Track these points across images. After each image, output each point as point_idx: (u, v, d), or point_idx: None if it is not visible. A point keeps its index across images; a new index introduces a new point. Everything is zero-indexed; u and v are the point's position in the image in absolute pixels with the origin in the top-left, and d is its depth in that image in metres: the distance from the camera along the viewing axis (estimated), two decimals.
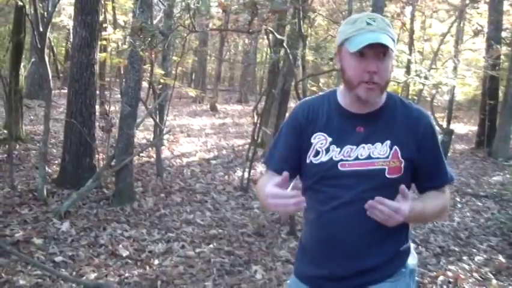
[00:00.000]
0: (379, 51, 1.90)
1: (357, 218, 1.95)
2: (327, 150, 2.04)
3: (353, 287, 2.07)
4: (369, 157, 1.97)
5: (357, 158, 1.98)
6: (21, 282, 4.30)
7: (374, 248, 2.02)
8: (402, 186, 1.88)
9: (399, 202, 1.88)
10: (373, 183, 1.96)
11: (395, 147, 1.96)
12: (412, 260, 2.13)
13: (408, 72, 11.85)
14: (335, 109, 2.09)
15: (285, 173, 1.89)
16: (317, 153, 2.06)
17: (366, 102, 1.98)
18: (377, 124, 2.02)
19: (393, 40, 1.93)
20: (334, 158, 2.02)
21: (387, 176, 1.96)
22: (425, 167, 2.03)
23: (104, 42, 9.33)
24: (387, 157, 1.96)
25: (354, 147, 2.00)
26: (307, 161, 2.08)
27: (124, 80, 7.63)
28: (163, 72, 9.38)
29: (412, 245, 2.20)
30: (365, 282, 2.04)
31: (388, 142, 1.97)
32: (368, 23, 1.92)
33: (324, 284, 2.12)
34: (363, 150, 1.98)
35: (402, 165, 1.97)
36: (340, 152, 2.01)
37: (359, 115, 2.04)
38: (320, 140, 2.07)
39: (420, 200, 2.07)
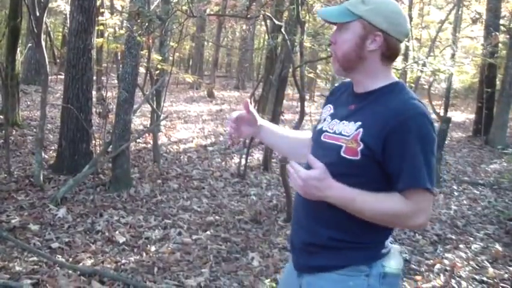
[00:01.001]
0: (336, 24, 2.03)
1: None
2: (324, 120, 2.13)
3: (302, 266, 2.11)
4: (339, 133, 1.98)
5: (334, 132, 2.01)
6: (18, 268, 4.29)
7: (320, 226, 2.00)
8: (309, 156, 1.93)
9: None
10: (330, 158, 1.94)
11: (360, 129, 1.91)
12: (392, 264, 1.99)
13: (406, 59, 11.81)
14: (350, 89, 2.14)
15: (246, 100, 2.19)
16: (320, 120, 2.18)
17: (338, 76, 2.13)
18: (362, 105, 2.01)
19: (354, 14, 1.96)
20: (323, 128, 2.09)
21: (342, 154, 1.92)
22: (389, 165, 1.89)
23: (101, 28, 9.28)
24: (349, 136, 1.93)
25: (338, 121, 2.03)
26: (316, 127, 2.22)
27: (121, 65, 7.58)
28: (160, 58, 9.33)
29: (398, 248, 2.09)
30: (311, 264, 2.05)
31: (359, 123, 1.94)
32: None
33: (291, 255, 2.22)
34: (341, 126, 1.99)
35: (359, 148, 1.89)
36: (329, 123, 2.08)
37: (356, 94, 2.07)
38: (326, 110, 2.19)
39: (364, 191, 1.89)
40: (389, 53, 1.99)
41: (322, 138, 2.05)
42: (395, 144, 1.84)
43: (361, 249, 1.98)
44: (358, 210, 1.89)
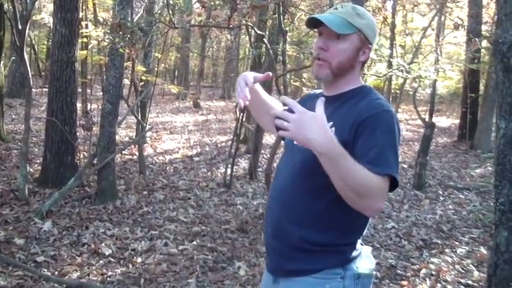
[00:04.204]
0: (331, 32, 1.99)
1: (284, 188, 2.03)
2: None
3: (277, 270, 2.12)
4: None
5: None
6: (2, 283, 4.26)
7: (292, 224, 2.01)
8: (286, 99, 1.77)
9: None
10: (305, 158, 1.97)
11: (333, 128, 1.94)
12: (364, 265, 2.04)
13: (389, 66, 11.89)
14: (320, 94, 2.21)
15: (267, 73, 2.17)
16: None
17: (317, 79, 2.16)
18: (333, 107, 2.04)
19: (353, 26, 2.00)
20: None
21: None
22: (356, 156, 1.84)
23: (85, 40, 9.28)
24: None
25: None
26: None
27: (105, 77, 7.58)
28: (144, 69, 9.34)
29: (369, 249, 2.12)
30: (286, 268, 2.07)
31: (330, 124, 1.93)
32: (335, 8, 2.06)
33: (266, 259, 2.23)
34: None
35: None
36: None
37: (326, 97, 2.04)
38: None
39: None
40: (367, 61, 2.11)
41: (294, 142, 2.05)
42: (364, 137, 1.88)
43: (335, 252, 2.00)
44: (344, 170, 1.75)
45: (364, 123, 1.89)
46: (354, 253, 2.02)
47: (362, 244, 2.09)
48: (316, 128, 1.68)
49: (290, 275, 2.05)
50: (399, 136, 1.95)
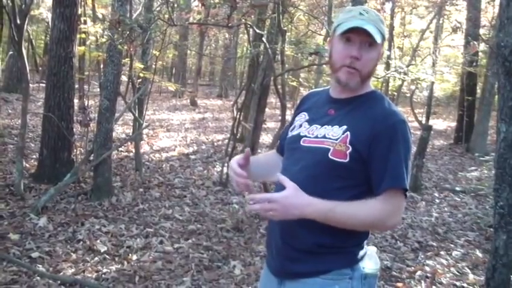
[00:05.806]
0: (365, 40, 1.98)
1: None
2: (300, 126, 2.16)
3: (284, 273, 2.10)
4: (323, 137, 2.02)
5: (316, 137, 2.05)
6: None
7: (301, 230, 1.99)
8: (280, 176, 1.89)
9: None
10: (315, 159, 2.00)
11: (348, 132, 1.96)
12: (370, 265, 2.06)
13: (387, 67, 11.89)
14: (325, 96, 2.20)
15: (247, 150, 2.14)
16: (293, 128, 2.20)
17: (345, 87, 2.06)
18: (345, 110, 2.06)
19: (382, 34, 2.01)
20: (301, 134, 2.12)
21: (329, 156, 1.95)
22: (374, 166, 1.95)
23: (83, 36, 9.25)
24: (336, 139, 1.97)
25: (319, 126, 2.07)
26: (288, 135, 2.23)
27: (102, 73, 7.56)
28: (142, 66, 9.31)
29: (374, 249, 2.14)
30: (295, 270, 2.05)
31: (344, 127, 1.99)
32: (361, 13, 2.02)
33: (268, 262, 2.21)
34: (324, 130, 2.03)
35: (349, 151, 1.94)
36: (307, 129, 2.11)
37: (335, 99, 2.13)
38: (300, 118, 2.22)
39: (341, 202, 1.90)
40: None
41: (302, 143, 2.08)
42: (381, 146, 1.93)
43: (344, 253, 2.01)
44: (338, 220, 1.90)
45: (381, 133, 1.94)
46: (361, 253, 2.05)
47: (366, 244, 2.10)
48: (298, 204, 1.85)
49: (298, 276, 2.05)
50: (412, 147, 2.01)
